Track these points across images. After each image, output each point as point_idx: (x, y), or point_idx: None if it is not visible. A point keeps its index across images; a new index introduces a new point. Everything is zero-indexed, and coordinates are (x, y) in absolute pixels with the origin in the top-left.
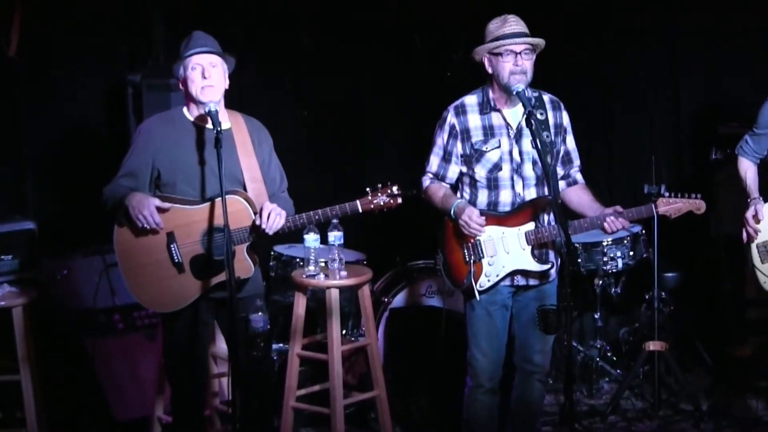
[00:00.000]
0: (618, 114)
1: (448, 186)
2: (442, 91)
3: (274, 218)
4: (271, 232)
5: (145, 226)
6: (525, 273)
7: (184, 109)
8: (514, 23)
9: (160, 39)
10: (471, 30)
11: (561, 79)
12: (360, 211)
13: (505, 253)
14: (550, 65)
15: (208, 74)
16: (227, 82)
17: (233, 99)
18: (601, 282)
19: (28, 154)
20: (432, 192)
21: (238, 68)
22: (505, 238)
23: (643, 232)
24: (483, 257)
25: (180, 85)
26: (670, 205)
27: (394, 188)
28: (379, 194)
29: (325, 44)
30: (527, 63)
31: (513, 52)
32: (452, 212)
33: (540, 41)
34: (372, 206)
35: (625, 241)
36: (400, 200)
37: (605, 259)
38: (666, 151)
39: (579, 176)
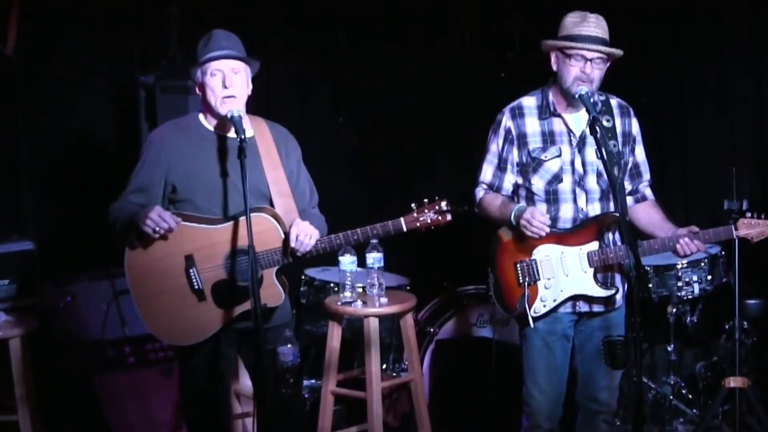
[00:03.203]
0: (694, 120)
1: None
2: (496, 93)
3: (304, 238)
4: (299, 253)
5: (157, 230)
6: (587, 298)
7: (201, 116)
8: (593, 25)
9: (176, 35)
10: (528, 25)
11: (629, 79)
12: (404, 230)
13: (564, 275)
14: (616, 64)
15: (229, 83)
16: (250, 87)
17: (260, 104)
18: (675, 310)
19: (26, 165)
20: (487, 202)
21: (265, 69)
22: (565, 259)
23: (723, 253)
24: (539, 279)
25: (197, 90)
26: (752, 228)
27: (443, 204)
28: (426, 210)
29: (363, 42)
30: (596, 72)
31: (584, 58)
32: (513, 217)
33: (617, 52)
34: (418, 224)
35: (702, 264)
36: (449, 217)
37: (680, 284)
38: (749, 162)
39: (649, 192)
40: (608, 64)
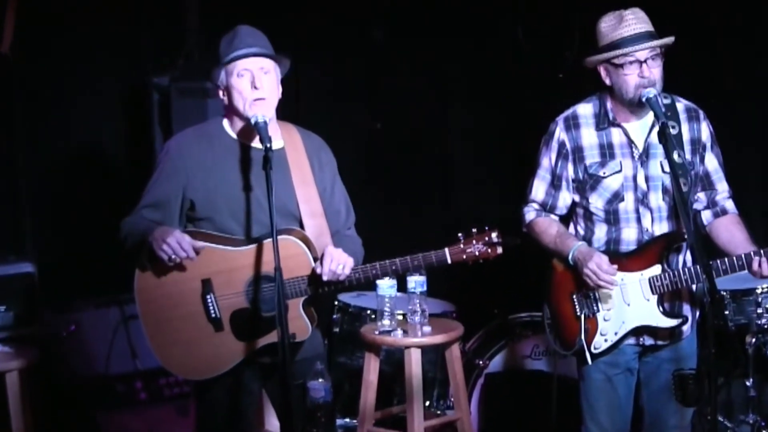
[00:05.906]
0: None
1: (558, 220)
2: (552, 98)
3: (336, 268)
4: (331, 281)
5: (173, 257)
6: (651, 331)
7: (225, 122)
8: (633, 21)
9: (194, 30)
10: (588, 21)
11: (702, 80)
12: (449, 262)
13: (625, 304)
14: (684, 60)
15: (259, 83)
16: (281, 89)
17: (288, 108)
18: (754, 340)
19: (25, 177)
20: (540, 229)
21: (293, 69)
22: (625, 287)
23: None
24: (598, 311)
25: (220, 94)
26: None
27: (494, 235)
28: (474, 242)
29: (403, 39)
30: (656, 71)
31: (637, 61)
32: (571, 257)
33: (669, 41)
34: (464, 257)
35: None
36: (500, 250)
37: (760, 310)
38: None
39: (730, 204)
40: (664, 56)
